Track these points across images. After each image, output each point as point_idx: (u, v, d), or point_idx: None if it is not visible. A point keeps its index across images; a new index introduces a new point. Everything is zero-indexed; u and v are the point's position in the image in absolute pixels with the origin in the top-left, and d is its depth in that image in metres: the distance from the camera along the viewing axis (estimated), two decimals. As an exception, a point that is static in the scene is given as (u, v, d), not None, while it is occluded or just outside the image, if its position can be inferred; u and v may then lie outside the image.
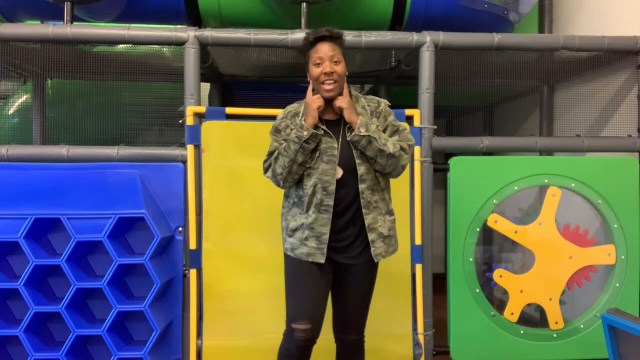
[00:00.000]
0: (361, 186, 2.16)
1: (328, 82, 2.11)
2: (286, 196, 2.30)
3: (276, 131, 2.25)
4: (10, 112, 4.39)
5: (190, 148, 2.92)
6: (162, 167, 2.91)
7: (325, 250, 2.15)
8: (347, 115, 2.13)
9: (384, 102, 2.29)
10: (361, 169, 2.15)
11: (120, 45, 3.43)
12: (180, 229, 2.90)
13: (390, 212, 2.26)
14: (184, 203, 2.91)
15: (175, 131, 3.18)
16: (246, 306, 2.91)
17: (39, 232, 2.71)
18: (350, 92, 2.24)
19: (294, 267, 2.23)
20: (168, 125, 3.65)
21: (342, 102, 2.14)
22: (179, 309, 2.90)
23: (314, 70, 2.14)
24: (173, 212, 2.90)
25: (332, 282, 2.26)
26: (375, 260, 2.20)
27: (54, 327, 2.82)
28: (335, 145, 2.16)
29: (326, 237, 2.14)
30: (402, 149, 2.17)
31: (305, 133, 2.08)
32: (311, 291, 2.19)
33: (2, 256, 2.74)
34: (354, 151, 2.16)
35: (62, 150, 2.91)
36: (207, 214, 2.92)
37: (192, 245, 2.90)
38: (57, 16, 3.31)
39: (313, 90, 2.22)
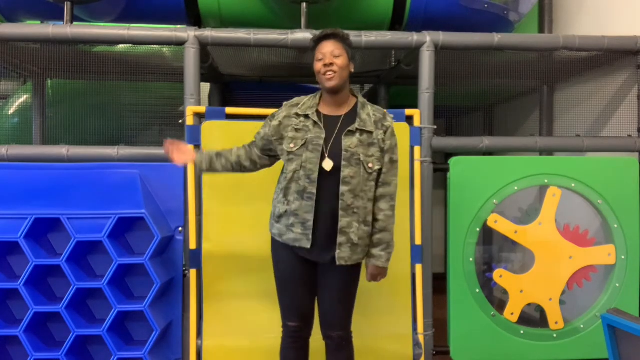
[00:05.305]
0: (342, 188, 2.15)
1: (328, 73, 2.16)
2: (278, 183, 2.33)
3: (271, 117, 2.31)
4: (10, 112, 4.39)
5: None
6: (162, 167, 2.91)
7: (310, 236, 2.16)
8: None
9: (391, 120, 2.29)
10: (345, 171, 2.15)
11: (120, 45, 3.43)
12: (180, 229, 2.90)
13: (366, 223, 2.21)
14: (184, 203, 2.91)
15: (175, 131, 3.17)
16: (246, 306, 2.91)
17: (39, 232, 2.71)
18: (357, 97, 2.29)
19: (281, 265, 2.31)
20: (168, 125, 3.65)
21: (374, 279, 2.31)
22: (179, 309, 2.90)
23: (316, 65, 2.21)
24: (173, 212, 2.90)
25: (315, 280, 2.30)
26: (337, 263, 2.18)
27: (54, 327, 2.82)
28: (322, 135, 2.18)
29: (310, 223, 2.16)
30: (391, 209, 2.28)
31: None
32: (297, 293, 2.29)
33: (2, 256, 2.74)
34: (343, 153, 2.16)
35: (62, 150, 2.91)
36: (207, 214, 2.92)
37: (192, 245, 2.90)
38: (57, 16, 3.31)
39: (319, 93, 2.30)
